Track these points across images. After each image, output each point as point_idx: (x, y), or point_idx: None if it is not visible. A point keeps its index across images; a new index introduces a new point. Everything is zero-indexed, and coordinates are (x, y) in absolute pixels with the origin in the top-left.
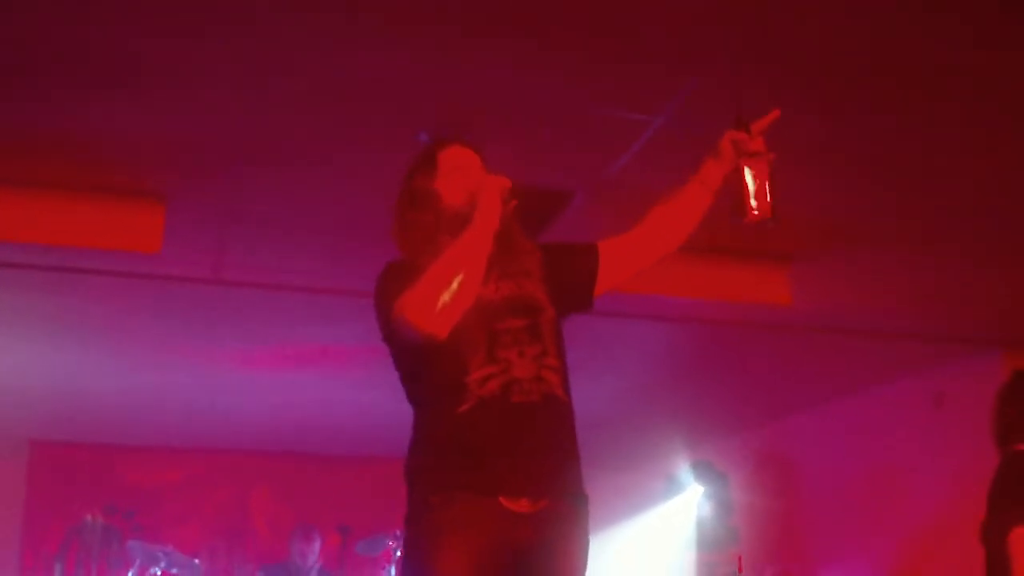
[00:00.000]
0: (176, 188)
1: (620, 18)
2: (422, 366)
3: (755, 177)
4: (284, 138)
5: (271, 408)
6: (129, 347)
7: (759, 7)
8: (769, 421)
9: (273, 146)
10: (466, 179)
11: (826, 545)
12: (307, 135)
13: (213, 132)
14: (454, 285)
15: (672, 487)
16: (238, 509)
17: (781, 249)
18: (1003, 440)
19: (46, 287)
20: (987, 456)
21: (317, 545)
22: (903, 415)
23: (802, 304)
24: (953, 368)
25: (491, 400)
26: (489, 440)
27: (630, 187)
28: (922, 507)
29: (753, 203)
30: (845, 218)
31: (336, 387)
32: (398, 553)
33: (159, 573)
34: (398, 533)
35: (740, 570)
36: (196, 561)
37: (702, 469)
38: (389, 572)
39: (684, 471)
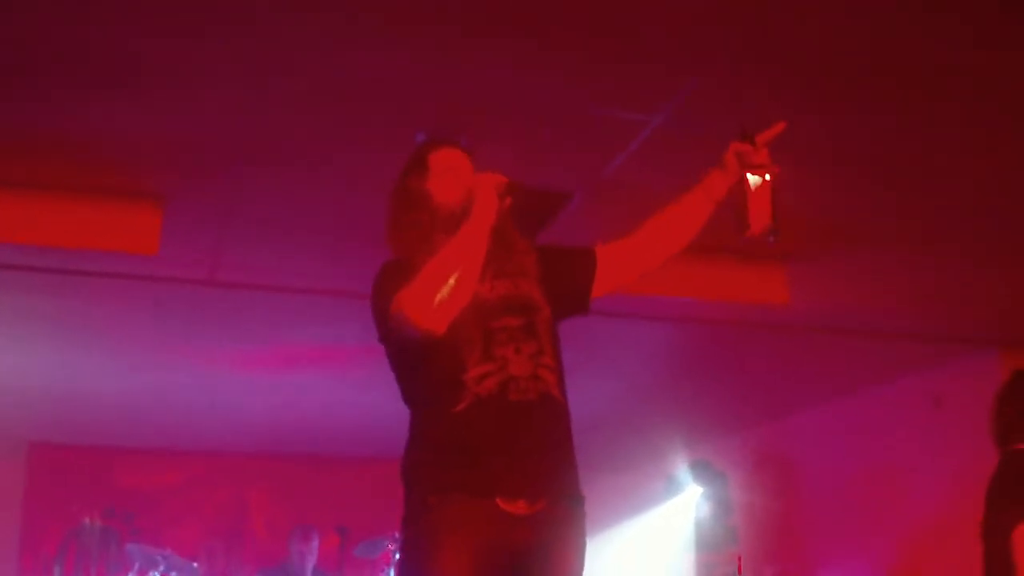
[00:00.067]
0: (173, 189)
1: (620, 18)
2: (418, 364)
3: (758, 190)
4: (283, 138)
5: (269, 410)
6: (127, 349)
7: (759, 7)
8: (768, 421)
9: (272, 146)
10: (458, 179)
11: (825, 545)
12: (306, 135)
13: (212, 132)
14: (451, 281)
15: (671, 487)
16: (236, 511)
17: (779, 249)
18: (1002, 440)
19: (43, 289)
20: (986, 456)
21: (315, 544)
22: (902, 415)
23: (800, 304)
24: (952, 368)
25: (488, 399)
26: (486, 439)
27: (630, 187)
28: (921, 507)
29: (755, 216)
30: (844, 218)
31: (335, 388)
32: (397, 555)
33: None
34: (397, 535)
35: (739, 570)
36: (195, 564)
37: (701, 469)
38: (388, 574)
39: (683, 471)
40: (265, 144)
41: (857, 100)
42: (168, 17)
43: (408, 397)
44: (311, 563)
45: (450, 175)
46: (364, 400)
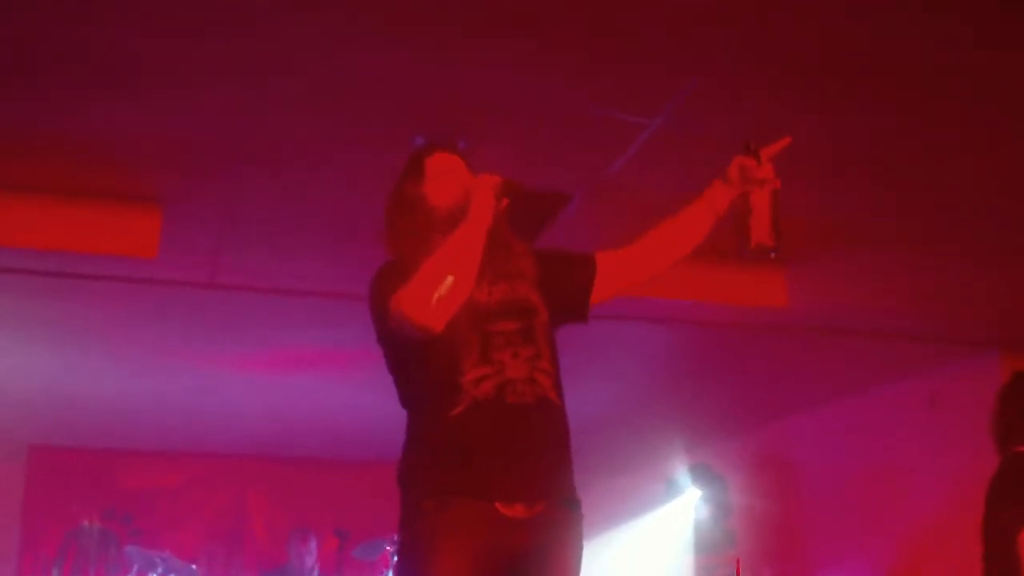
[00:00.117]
0: (172, 192)
1: (620, 18)
2: (416, 366)
3: (760, 206)
4: (283, 138)
5: (269, 412)
6: (127, 351)
7: (759, 7)
8: (767, 423)
9: (272, 147)
10: (454, 183)
11: (824, 547)
12: (306, 135)
13: (212, 133)
14: (449, 279)
15: (670, 490)
16: (236, 513)
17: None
18: (1003, 441)
19: (43, 292)
20: (986, 457)
21: (314, 546)
22: (901, 416)
23: (799, 305)
24: (952, 369)
25: (485, 402)
26: (483, 442)
27: (630, 188)
28: (921, 508)
29: (756, 232)
30: (842, 218)
31: (334, 391)
32: (395, 558)
33: None
34: (395, 537)
35: (738, 573)
36: (194, 566)
37: (700, 472)
38: None
39: (682, 474)
40: (265, 144)
41: (857, 100)
42: (168, 17)
43: (405, 400)
44: (310, 564)
45: (446, 179)
46: (363, 403)
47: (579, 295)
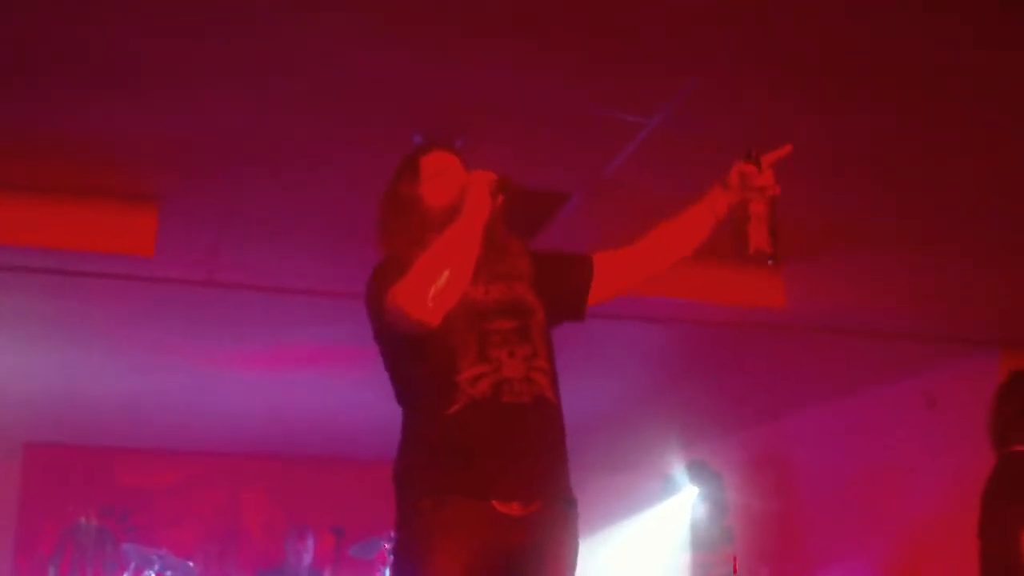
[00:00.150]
0: (170, 190)
1: (620, 18)
2: (412, 364)
3: (759, 214)
4: (282, 138)
5: (265, 410)
6: (124, 349)
7: (759, 7)
8: (764, 422)
9: (271, 146)
10: (449, 182)
11: (821, 545)
12: (305, 135)
13: (211, 133)
14: (446, 273)
15: (667, 488)
16: (232, 511)
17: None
18: (1000, 441)
19: (40, 290)
20: (984, 456)
21: (310, 543)
22: (899, 415)
23: (797, 305)
24: (950, 368)
25: (482, 400)
26: (480, 441)
27: (629, 187)
28: (918, 507)
29: (754, 240)
30: (840, 218)
31: (330, 389)
32: (392, 556)
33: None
34: (392, 535)
35: (735, 571)
36: (190, 563)
37: (697, 470)
38: (383, 574)
39: (679, 472)
40: (264, 144)
41: (857, 100)
42: (168, 17)
43: (401, 398)
44: (307, 562)
45: (441, 178)
46: (361, 401)
47: (576, 295)
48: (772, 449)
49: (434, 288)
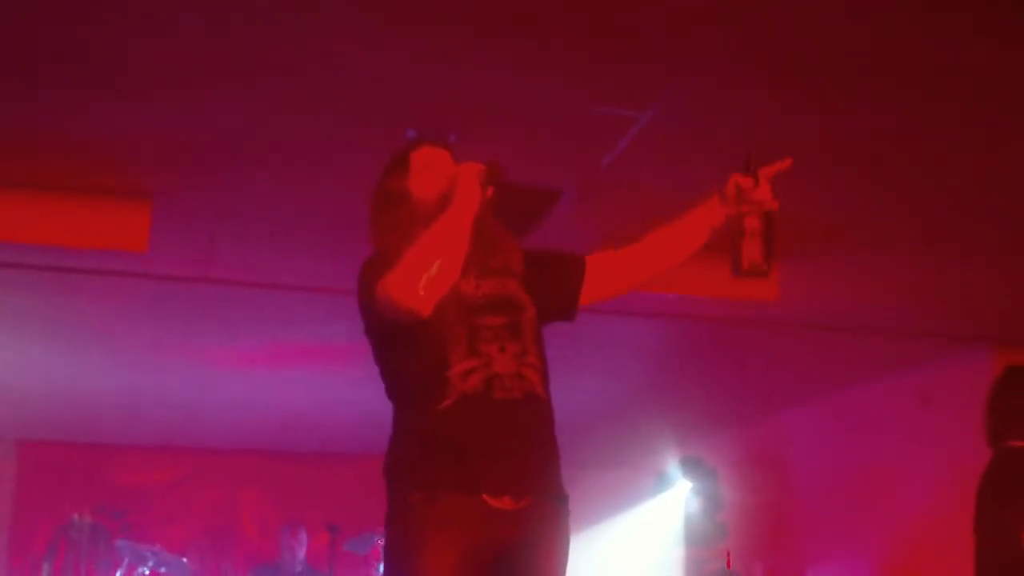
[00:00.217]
0: (165, 187)
1: (620, 18)
2: (403, 359)
3: (754, 228)
4: (279, 137)
5: (259, 407)
6: (118, 346)
7: (759, 7)
8: (759, 417)
9: (267, 145)
10: (438, 175)
11: (815, 541)
12: (302, 134)
13: (209, 132)
14: (436, 262)
15: (661, 483)
16: (226, 508)
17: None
18: (994, 436)
19: (34, 287)
20: (977, 451)
21: (304, 539)
22: (893, 410)
23: (791, 300)
24: (943, 364)
25: (473, 396)
26: (471, 437)
27: (626, 184)
28: (911, 502)
29: (747, 255)
30: (835, 216)
31: (324, 385)
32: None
33: (147, 572)
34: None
35: (729, 566)
36: (184, 560)
37: (691, 465)
38: (378, 570)
39: (673, 467)
40: (260, 142)
41: (857, 100)
42: (165, 17)
43: (392, 393)
44: (301, 556)
45: (430, 172)
46: (355, 398)
47: (567, 296)
48: (766, 445)
49: (424, 278)
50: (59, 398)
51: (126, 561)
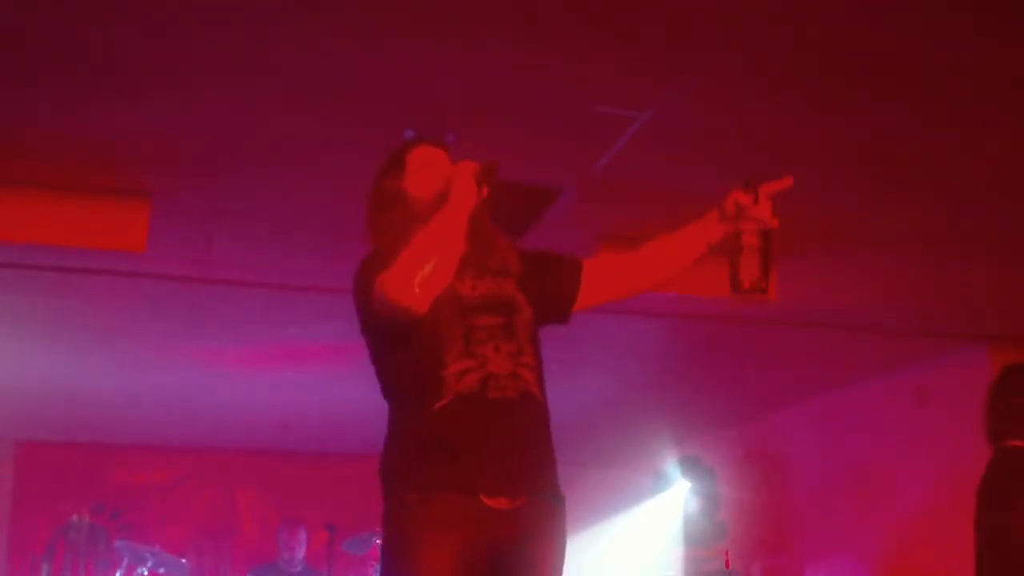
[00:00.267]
0: (164, 187)
1: (620, 18)
2: (398, 358)
3: (752, 246)
4: (278, 137)
5: (258, 407)
6: (116, 346)
7: (759, 7)
8: (757, 416)
9: (266, 145)
10: (434, 175)
11: (814, 539)
12: (301, 134)
13: (207, 131)
14: (432, 260)
15: (659, 483)
16: (225, 508)
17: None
18: (995, 436)
19: (32, 287)
20: (974, 450)
21: (303, 537)
22: (890, 409)
23: (788, 299)
24: (939, 362)
25: (468, 396)
26: (466, 437)
27: (623, 183)
28: (909, 501)
29: (745, 274)
30: (835, 216)
31: (323, 385)
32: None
33: (146, 573)
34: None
35: (728, 565)
36: (183, 560)
37: (689, 465)
38: (376, 570)
39: (671, 467)
40: (261, 143)
41: (857, 100)
42: (164, 16)
43: (388, 393)
44: (300, 554)
45: (426, 171)
46: (352, 396)
47: (564, 299)
48: (764, 444)
49: (420, 276)
50: (57, 398)
51: (125, 562)
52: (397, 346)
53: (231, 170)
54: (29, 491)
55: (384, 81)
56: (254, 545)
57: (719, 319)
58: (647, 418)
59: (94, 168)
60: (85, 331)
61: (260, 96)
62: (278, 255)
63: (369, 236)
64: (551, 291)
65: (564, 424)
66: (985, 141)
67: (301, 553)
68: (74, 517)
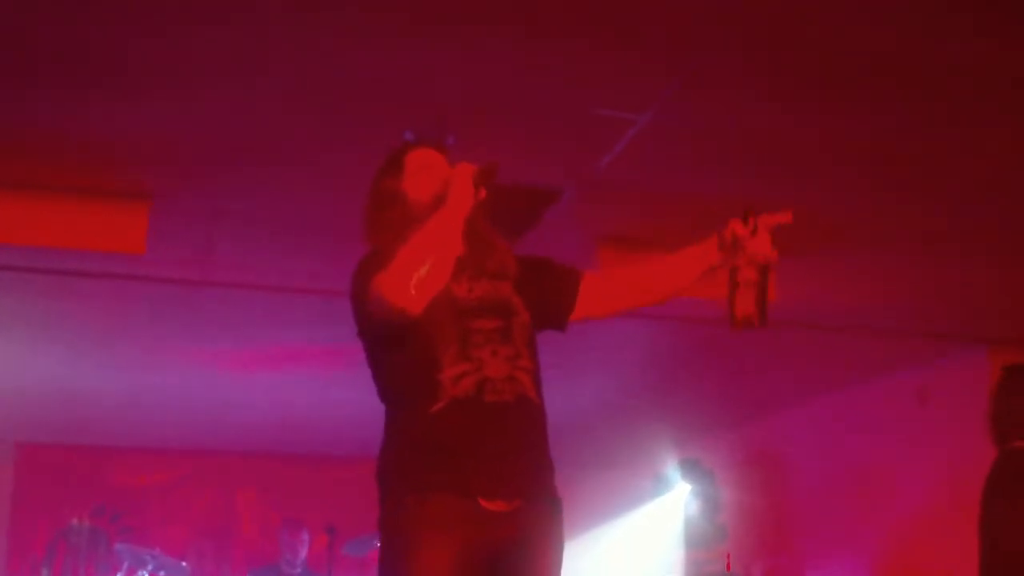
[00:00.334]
0: (163, 189)
1: (620, 18)
2: (395, 361)
3: (748, 280)
4: (278, 138)
5: (258, 409)
6: (116, 348)
7: (759, 7)
8: (757, 418)
9: (266, 146)
10: (432, 176)
11: (814, 541)
12: (301, 134)
13: (207, 132)
14: (428, 261)
15: (660, 485)
16: (225, 510)
17: None
18: (1000, 437)
19: (31, 289)
20: (974, 451)
21: (305, 537)
22: (890, 411)
23: (788, 300)
24: (940, 364)
25: (464, 399)
26: (462, 440)
27: (627, 186)
28: (909, 502)
29: (740, 308)
30: (835, 216)
31: (323, 387)
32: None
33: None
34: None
35: (728, 567)
36: (184, 563)
37: (689, 467)
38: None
39: (672, 469)
40: (261, 144)
41: (857, 100)
42: (164, 17)
43: (385, 396)
44: (303, 556)
45: (424, 173)
46: (352, 399)
47: (562, 308)
48: (764, 446)
49: (415, 277)
50: (57, 400)
51: (125, 565)
52: (393, 348)
53: (231, 171)
54: (29, 493)
55: (384, 81)
56: (254, 546)
57: (719, 321)
58: (647, 420)
59: (93, 169)
60: (85, 333)
61: (260, 96)
62: (278, 256)
63: (367, 237)
64: (549, 298)
65: (564, 427)
66: (985, 141)
67: (303, 554)
68: (74, 521)
